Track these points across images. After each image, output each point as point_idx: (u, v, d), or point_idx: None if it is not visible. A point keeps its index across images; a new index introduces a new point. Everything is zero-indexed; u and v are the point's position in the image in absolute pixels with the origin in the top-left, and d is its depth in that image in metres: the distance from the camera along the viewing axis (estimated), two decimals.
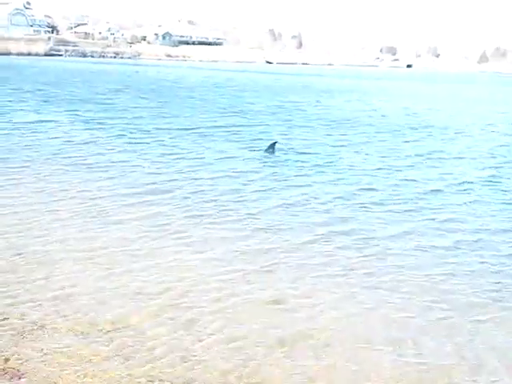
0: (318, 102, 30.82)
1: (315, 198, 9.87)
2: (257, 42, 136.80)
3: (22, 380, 4.28)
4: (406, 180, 11.65)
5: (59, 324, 5.07)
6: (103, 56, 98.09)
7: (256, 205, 9.23)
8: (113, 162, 11.96)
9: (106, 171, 11.10)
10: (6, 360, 4.51)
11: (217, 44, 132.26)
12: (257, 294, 5.94)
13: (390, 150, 15.41)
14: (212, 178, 10.97)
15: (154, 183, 10.32)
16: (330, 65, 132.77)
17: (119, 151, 13.31)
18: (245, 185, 10.59)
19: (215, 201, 9.35)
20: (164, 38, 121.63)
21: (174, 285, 6.05)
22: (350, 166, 12.93)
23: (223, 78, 52.25)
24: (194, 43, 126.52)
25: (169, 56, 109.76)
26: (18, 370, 4.39)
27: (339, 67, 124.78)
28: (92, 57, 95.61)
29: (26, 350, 4.65)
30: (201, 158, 12.93)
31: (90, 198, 9.10)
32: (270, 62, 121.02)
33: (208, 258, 6.87)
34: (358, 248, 7.44)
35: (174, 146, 14.35)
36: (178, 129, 17.50)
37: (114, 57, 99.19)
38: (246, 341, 5.02)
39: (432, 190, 10.85)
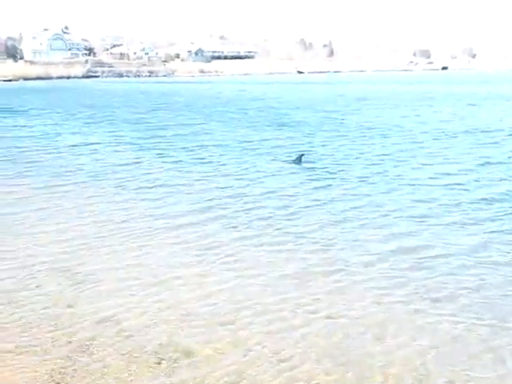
0: (358, 110, 29.97)
1: (367, 213, 9.39)
2: (287, 52, 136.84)
3: None
4: (475, 195, 10.54)
5: (107, 348, 4.98)
6: (138, 75, 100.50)
7: (306, 223, 8.84)
8: (158, 183, 11.82)
9: (152, 192, 10.97)
10: None
11: (248, 57, 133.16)
12: (315, 321, 5.58)
13: (449, 160, 14.45)
14: (257, 195, 10.68)
15: (199, 202, 10.10)
16: (362, 71, 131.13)
17: (163, 171, 13.15)
18: (291, 201, 10.23)
19: (263, 219, 9.01)
20: (197, 54, 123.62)
21: (223, 309, 5.78)
22: (408, 178, 12.09)
23: (259, 92, 52.08)
24: (225, 58, 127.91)
25: (202, 72, 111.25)
26: None
27: (372, 73, 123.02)
28: (127, 76, 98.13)
29: (74, 377, 4.58)
30: (244, 175, 12.68)
31: (137, 220, 8.94)
32: (301, 72, 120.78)
33: (260, 281, 6.54)
34: (421, 268, 6.93)
35: (218, 164, 14.11)
36: (221, 145, 17.26)
37: (149, 75, 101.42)
38: (302, 366, 4.73)
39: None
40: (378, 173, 12.67)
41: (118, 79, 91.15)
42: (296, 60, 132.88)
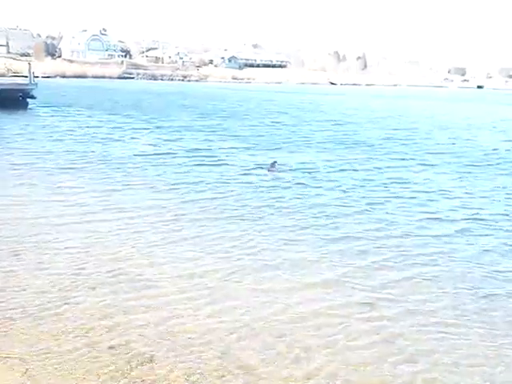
0: (429, 133, 26.34)
1: None
2: (320, 63, 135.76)
3: None
4: None
5: (165, 359, 4.91)
6: (172, 79, 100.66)
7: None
8: (238, 212, 10.21)
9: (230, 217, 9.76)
10: None
11: (281, 66, 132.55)
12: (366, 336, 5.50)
13: None
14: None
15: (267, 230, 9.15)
16: (395, 85, 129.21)
17: (247, 195, 11.60)
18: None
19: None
20: (230, 61, 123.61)
21: (281, 322, 5.70)
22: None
23: (312, 102, 50.54)
24: (258, 66, 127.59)
25: (234, 78, 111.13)
26: None
27: (406, 88, 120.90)
28: (161, 80, 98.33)
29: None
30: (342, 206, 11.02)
31: (199, 232, 8.57)
32: (333, 84, 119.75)
33: (311, 296, 6.41)
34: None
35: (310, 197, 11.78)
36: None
37: (183, 80, 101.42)
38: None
39: None
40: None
41: (152, 81, 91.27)
42: (329, 71, 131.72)
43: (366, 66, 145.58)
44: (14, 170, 13.12)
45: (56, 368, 4.68)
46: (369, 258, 7.69)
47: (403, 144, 21.50)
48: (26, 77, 32.36)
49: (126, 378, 4.60)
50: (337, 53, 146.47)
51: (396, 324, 5.77)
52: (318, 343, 5.30)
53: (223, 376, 4.69)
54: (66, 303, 5.92)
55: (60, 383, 4.50)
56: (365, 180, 13.53)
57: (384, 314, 5.97)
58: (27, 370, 4.63)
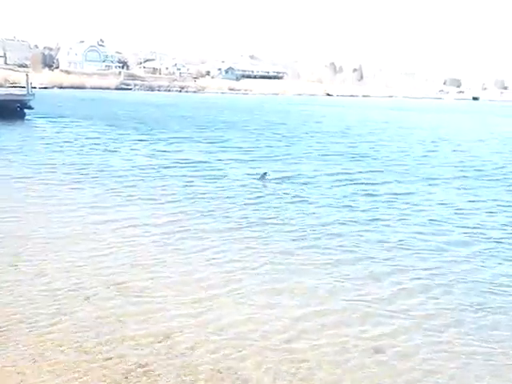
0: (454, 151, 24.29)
1: None
2: (317, 75, 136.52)
3: None
4: None
5: (162, 368, 4.89)
6: (169, 90, 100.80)
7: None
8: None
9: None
10: None
11: (278, 78, 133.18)
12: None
13: None
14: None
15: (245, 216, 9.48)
16: (391, 97, 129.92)
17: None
18: None
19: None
20: (227, 72, 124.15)
21: (279, 332, 5.74)
22: None
23: (317, 113, 50.58)
24: (255, 77, 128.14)
25: (231, 90, 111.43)
26: None
27: (402, 100, 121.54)
28: (158, 91, 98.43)
29: None
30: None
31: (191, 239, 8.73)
32: (330, 95, 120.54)
33: (313, 308, 6.45)
34: None
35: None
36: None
37: (180, 91, 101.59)
38: None
39: None
40: None
41: (149, 93, 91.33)
42: (325, 83, 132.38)
43: (362, 78, 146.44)
44: (12, 182, 12.89)
45: (51, 379, 4.67)
46: (380, 281, 7.41)
47: (407, 156, 21.36)
48: (24, 87, 32.29)
49: None
50: (333, 64, 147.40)
51: (411, 354, 5.55)
52: (324, 364, 5.14)
53: None
54: (62, 314, 5.93)
55: None
56: (368, 195, 13.31)
57: (398, 349, 5.64)
58: (22, 380, 4.64)
